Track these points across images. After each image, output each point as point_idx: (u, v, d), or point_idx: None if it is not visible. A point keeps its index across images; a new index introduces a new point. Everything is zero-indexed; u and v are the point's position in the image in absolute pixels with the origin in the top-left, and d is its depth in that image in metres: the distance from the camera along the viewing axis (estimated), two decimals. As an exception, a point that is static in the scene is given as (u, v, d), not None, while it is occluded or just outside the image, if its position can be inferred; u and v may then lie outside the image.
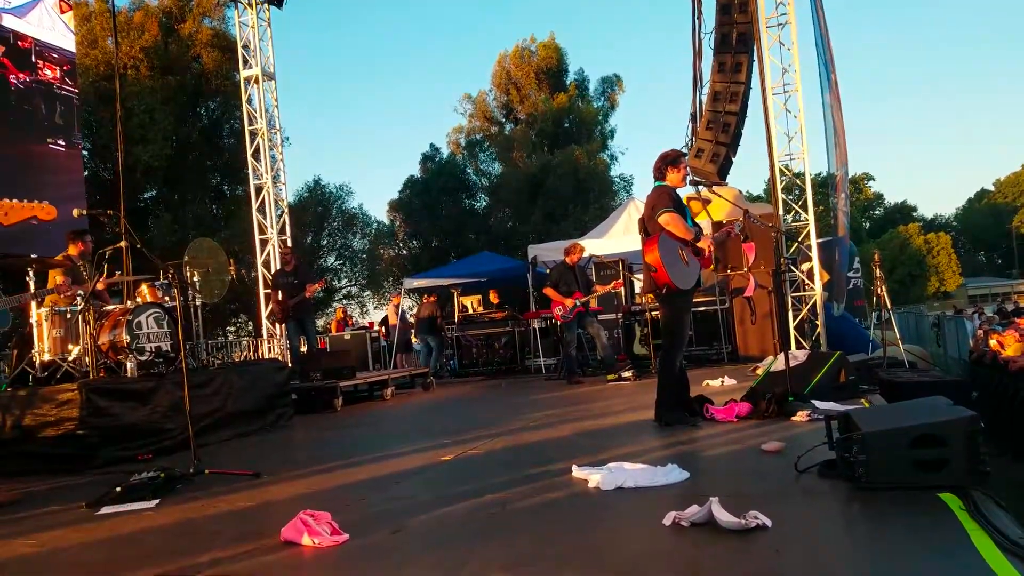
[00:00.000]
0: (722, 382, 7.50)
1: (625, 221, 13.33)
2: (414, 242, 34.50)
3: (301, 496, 3.91)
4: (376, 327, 16.43)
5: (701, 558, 2.50)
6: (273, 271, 11.50)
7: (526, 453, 4.81)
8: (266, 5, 12.48)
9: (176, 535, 3.33)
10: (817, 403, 5.34)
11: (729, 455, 4.14)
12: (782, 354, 5.95)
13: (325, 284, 18.04)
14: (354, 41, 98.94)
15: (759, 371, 8.05)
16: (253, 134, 12.27)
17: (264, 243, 12.25)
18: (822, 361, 6.03)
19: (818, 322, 9.63)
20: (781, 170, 9.81)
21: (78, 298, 6.33)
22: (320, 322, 25.93)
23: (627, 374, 8.98)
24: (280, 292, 9.98)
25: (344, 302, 32.06)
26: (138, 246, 5.48)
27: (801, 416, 4.96)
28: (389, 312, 16.39)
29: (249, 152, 12.28)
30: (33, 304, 6.19)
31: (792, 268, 9.69)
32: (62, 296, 6.41)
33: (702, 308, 11.08)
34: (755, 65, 10.04)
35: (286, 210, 12.72)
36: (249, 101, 12.33)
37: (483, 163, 34.98)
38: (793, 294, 9.71)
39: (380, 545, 2.90)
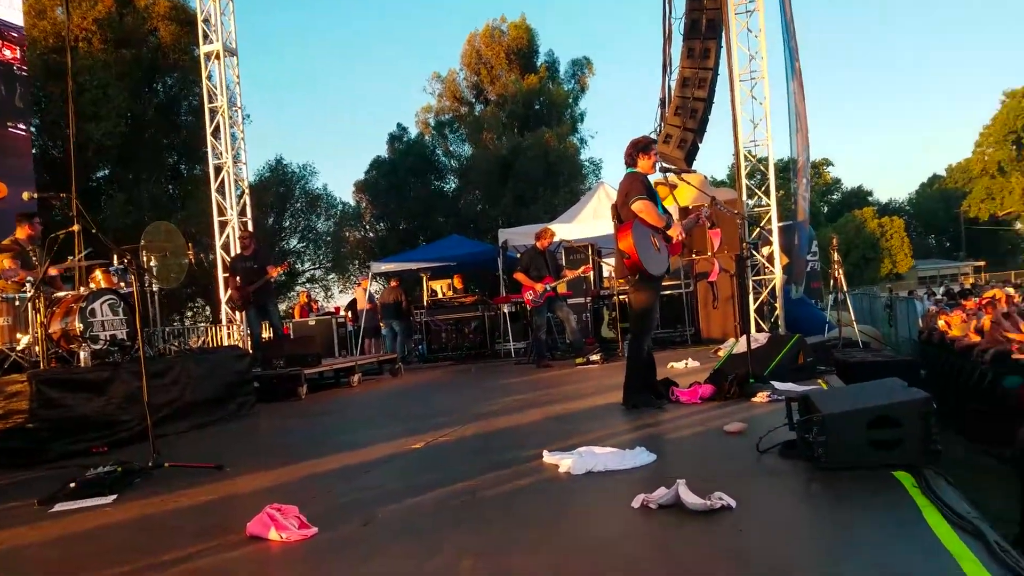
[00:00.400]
0: (686, 364, 7.66)
1: (595, 205, 13.43)
2: (381, 224, 34.16)
3: (266, 489, 3.86)
4: (342, 312, 16.29)
5: (669, 539, 2.59)
6: (232, 255, 11.30)
7: (497, 439, 4.86)
8: (228, -24, 12.13)
9: (136, 532, 3.23)
10: (777, 384, 5.50)
11: (694, 437, 4.25)
12: (744, 337, 6.10)
13: (288, 267, 17.80)
14: (320, 16, 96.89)
15: (721, 353, 8.24)
16: (213, 112, 11.97)
17: (223, 225, 12.00)
18: (781, 343, 6.19)
19: (777, 305, 9.85)
20: (745, 156, 9.97)
21: (27, 284, 6.08)
22: (282, 306, 25.62)
23: (595, 357, 9.09)
24: (239, 278, 9.78)
25: (308, 286, 31.71)
26: (93, 231, 5.31)
27: (762, 397, 5.11)
28: (357, 296, 16.24)
29: (208, 130, 11.98)
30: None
31: (754, 252, 9.88)
32: (9, 282, 6.21)
33: (667, 292, 11.25)
34: (723, 51, 10.13)
35: (247, 190, 12.47)
36: (209, 77, 12.01)
37: (452, 144, 34.73)
38: (754, 278, 9.91)
39: (350, 537, 2.88)
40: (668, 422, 4.73)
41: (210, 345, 14.27)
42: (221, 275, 11.77)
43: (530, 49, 33.86)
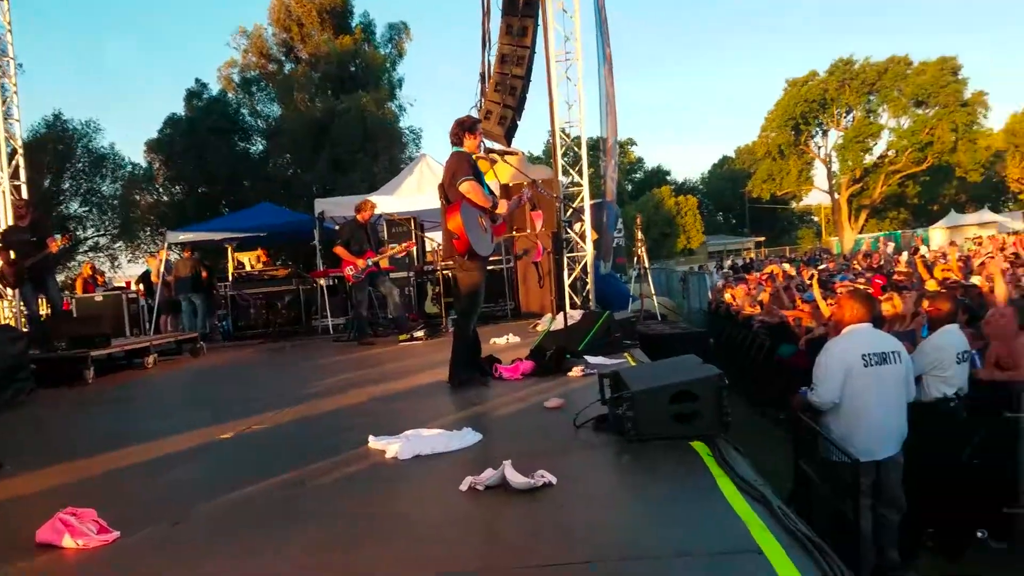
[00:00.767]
0: (507, 339, 7.89)
1: (417, 178, 13.29)
2: (177, 187, 31.39)
3: (55, 489, 3.47)
4: (134, 286, 14.84)
5: (496, 521, 2.68)
6: (6, 224, 9.88)
7: (318, 425, 4.73)
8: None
9: None
10: (590, 359, 5.86)
11: (517, 414, 4.42)
12: (561, 313, 6.42)
13: (70, 240, 15.88)
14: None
15: (539, 327, 8.59)
16: (-24, 60, 10.32)
17: (-9, 189, 10.46)
18: (593, 320, 6.59)
19: (588, 280, 10.41)
20: (561, 135, 10.35)
21: None
22: (60, 278, 22.85)
23: (419, 334, 9.07)
24: (11, 252, 8.56)
25: (91, 255, 28.55)
26: None
27: (576, 372, 5.41)
28: (152, 267, 14.82)
29: (-29, 82, 10.33)
30: None
31: (568, 230, 10.34)
32: None
33: (490, 268, 11.45)
34: (540, 30, 10.37)
35: (19, 149, 10.96)
36: (-29, 21, 10.32)
37: (260, 104, 32.56)
38: (567, 255, 10.38)
39: (159, 540, 2.67)
40: (493, 400, 4.88)
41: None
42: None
43: (344, 8, 32.49)
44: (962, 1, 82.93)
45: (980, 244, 21.51)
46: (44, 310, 10.08)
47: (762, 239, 54.48)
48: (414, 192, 12.82)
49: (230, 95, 32.11)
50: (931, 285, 8.44)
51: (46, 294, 8.89)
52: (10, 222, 9.58)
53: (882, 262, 15.79)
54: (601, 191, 13.21)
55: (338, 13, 32.20)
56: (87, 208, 29.30)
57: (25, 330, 8.43)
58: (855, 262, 17.49)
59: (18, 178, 10.77)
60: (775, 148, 49.24)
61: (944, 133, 43.21)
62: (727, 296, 12.89)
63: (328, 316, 11.80)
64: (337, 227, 12.08)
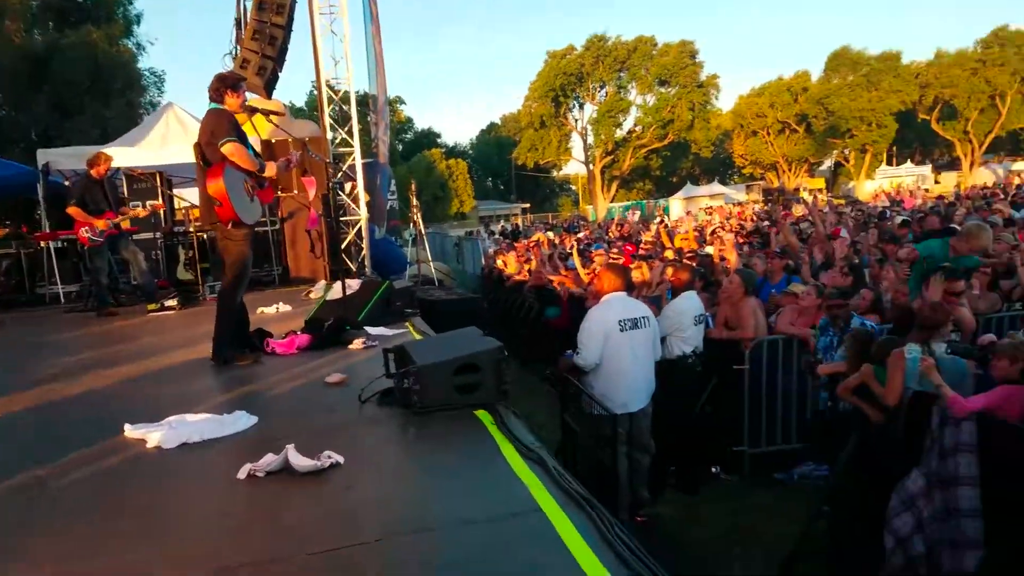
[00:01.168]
0: (277, 308, 7.51)
1: (163, 130, 11.92)
2: None
3: None
4: None
5: (280, 508, 2.58)
6: None
7: (61, 413, 4.15)
8: None
9: None
10: (370, 330, 5.78)
11: (296, 392, 4.24)
12: (338, 282, 6.24)
13: None
14: None
15: (312, 295, 8.29)
16: None
17: None
18: (373, 289, 6.49)
19: (364, 245, 10.23)
20: (328, 92, 9.94)
21: None
22: None
23: (171, 303, 8.26)
24: None
25: None
26: None
27: (357, 344, 5.32)
28: None
29: None
30: None
31: (339, 193, 10.01)
32: None
33: (255, 229, 10.74)
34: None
35: None
36: None
37: (-38, 31, 26.99)
38: (340, 218, 10.06)
39: None
40: (267, 377, 4.61)
41: None
42: None
43: (68, -72, 27.95)
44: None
45: (711, 214, 24.51)
46: None
47: (527, 205, 57.28)
48: (159, 145, 11.49)
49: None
50: (670, 254, 9.51)
51: None
52: None
53: (631, 232, 17.39)
54: (372, 151, 12.94)
55: (61, -68, 27.62)
56: None
57: None
58: (609, 231, 19.08)
59: None
60: (537, 118, 51.60)
61: (683, 112, 48.28)
62: (499, 262, 13.43)
63: (57, 282, 10.32)
64: (67, 183, 10.56)
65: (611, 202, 50.96)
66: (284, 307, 7.57)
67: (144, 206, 9.69)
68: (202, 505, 2.67)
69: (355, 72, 10.06)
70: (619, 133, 51.32)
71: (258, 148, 6.13)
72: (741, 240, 11.23)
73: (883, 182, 41.99)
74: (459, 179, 53.00)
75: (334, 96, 10.08)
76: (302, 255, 10.61)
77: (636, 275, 7.35)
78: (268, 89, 9.75)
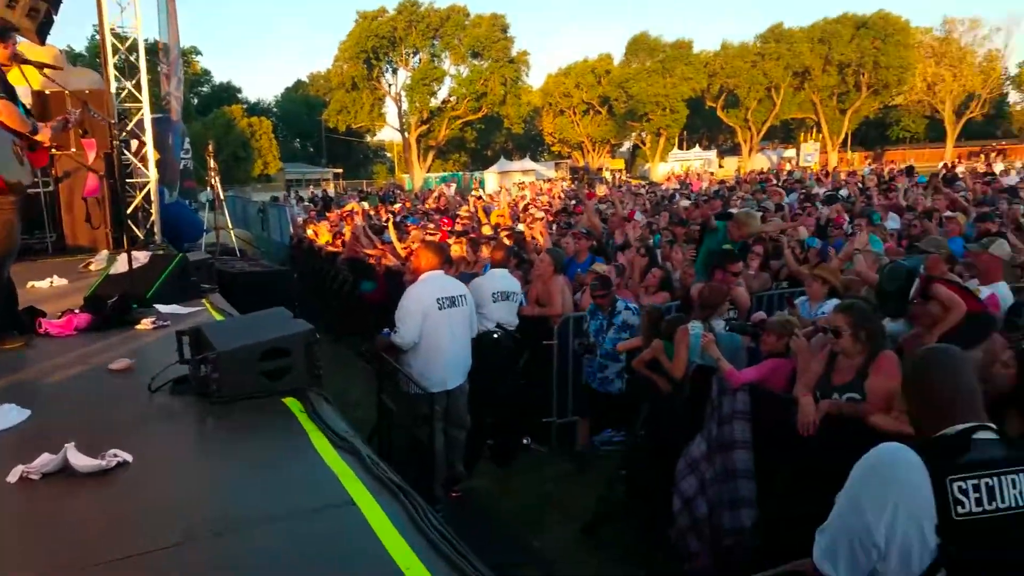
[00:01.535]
0: (51, 283, 6.63)
1: None
2: None
3: None
4: None
5: (61, 514, 2.32)
6: None
7: None
8: None
9: None
10: (161, 308, 5.31)
11: (75, 380, 3.78)
12: (123, 254, 5.63)
13: None
14: None
15: (92, 267, 7.44)
16: None
17: None
18: (164, 263, 5.92)
19: (153, 210, 9.34)
20: (112, 40, 8.88)
21: None
22: None
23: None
24: None
25: None
26: None
27: (146, 324, 4.86)
28: None
29: None
30: None
31: (124, 151, 9.02)
32: None
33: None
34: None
35: None
36: None
37: None
38: (126, 180, 9.06)
39: None
40: (39, 363, 4.05)
41: None
42: None
43: None
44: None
45: (523, 189, 25.26)
46: None
47: (340, 170, 55.45)
48: None
49: None
50: (486, 230, 9.69)
51: None
52: None
53: (448, 206, 17.48)
54: (163, 106, 11.78)
55: None
56: None
57: None
58: (427, 203, 19.04)
59: None
60: (349, 80, 49.79)
61: (496, 86, 48.98)
62: (309, 232, 12.89)
63: None
64: None
65: (428, 172, 50.76)
66: (59, 281, 6.69)
67: None
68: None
69: (144, 18, 9.08)
70: (434, 102, 51.00)
71: (29, 100, 5.34)
72: (550, 219, 11.70)
73: (675, 165, 45.84)
74: (263, 139, 49.89)
75: (119, 46, 9.02)
76: (80, 220, 9.45)
77: (456, 250, 7.41)
78: (41, 34, 8.49)
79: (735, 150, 55.93)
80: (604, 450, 5.88)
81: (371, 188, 40.10)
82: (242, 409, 3.21)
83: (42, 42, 8.34)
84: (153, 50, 12.09)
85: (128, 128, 9.04)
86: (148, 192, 9.26)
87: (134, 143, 9.24)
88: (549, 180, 37.62)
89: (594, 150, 55.05)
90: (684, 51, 51.33)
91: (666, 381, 4.60)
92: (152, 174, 9.26)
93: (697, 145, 55.83)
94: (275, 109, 63.41)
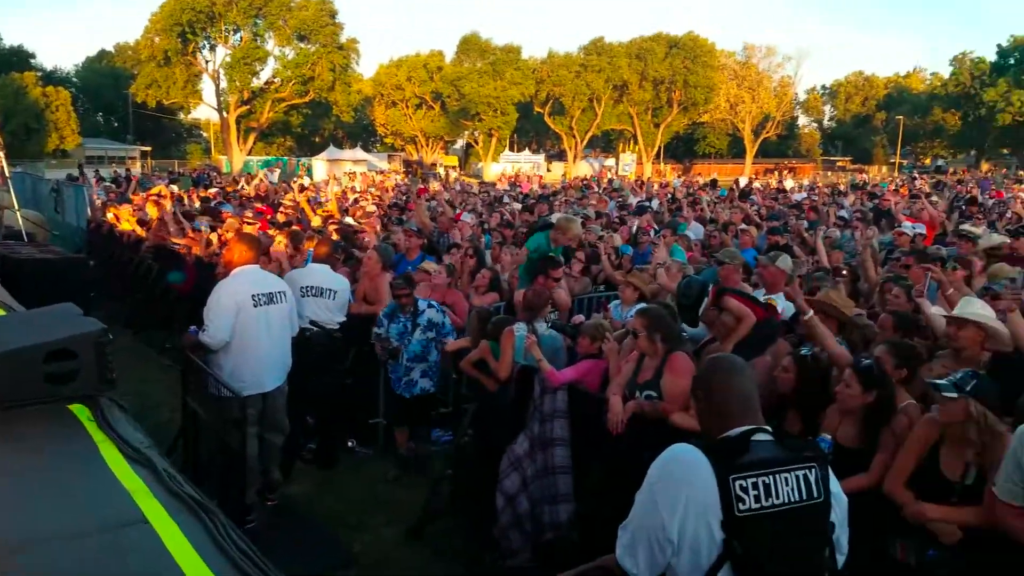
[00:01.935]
0: None
1: None
2: None
3: None
4: None
5: None
6: None
7: None
8: None
9: None
10: (-81, 299, 4.56)
11: None
12: None
13: None
14: None
15: None
16: None
17: None
18: (-75, 246, 5.13)
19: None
20: None
21: None
22: None
23: None
24: None
25: None
26: None
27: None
28: None
29: None
30: None
31: None
32: None
33: None
34: None
35: None
36: None
37: None
38: None
39: None
40: None
41: None
42: None
43: None
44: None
45: (354, 180, 24.66)
46: None
47: (148, 149, 50.96)
48: None
49: None
50: (316, 222, 9.34)
51: None
52: None
53: (269, 193, 16.64)
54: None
55: None
56: None
57: None
58: (246, 189, 17.99)
59: None
60: (160, 53, 45.53)
61: (324, 71, 47.13)
62: (110, 215, 11.69)
63: None
64: None
65: (249, 155, 47.96)
66: None
67: None
68: None
69: None
70: (256, 82, 48.23)
71: None
72: (382, 212, 11.51)
73: (507, 166, 46.88)
74: (60, 111, 44.70)
75: None
76: None
77: (279, 242, 7.01)
78: None
79: (562, 156, 58.33)
80: (431, 451, 5.87)
81: (184, 169, 37.25)
82: (22, 417, 2.83)
83: None
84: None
85: None
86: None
87: None
88: (382, 172, 37.04)
89: (428, 145, 54.97)
90: (513, 55, 52.67)
91: (492, 381, 4.69)
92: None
93: (527, 148, 57.58)
94: (75, 79, 57.00)
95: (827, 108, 72.21)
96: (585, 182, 27.92)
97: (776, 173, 45.40)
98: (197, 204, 12.50)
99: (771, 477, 1.83)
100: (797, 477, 1.86)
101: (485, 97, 49.51)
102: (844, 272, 5.82)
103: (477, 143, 56.31)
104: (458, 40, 54.23)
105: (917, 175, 38.99)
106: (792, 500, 1.84)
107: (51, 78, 51.21)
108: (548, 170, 51.80)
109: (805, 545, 1.89)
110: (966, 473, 2.93)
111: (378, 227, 9.33)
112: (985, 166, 53.53)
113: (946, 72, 58.15)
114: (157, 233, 9.24)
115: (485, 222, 10.69)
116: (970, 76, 53.70)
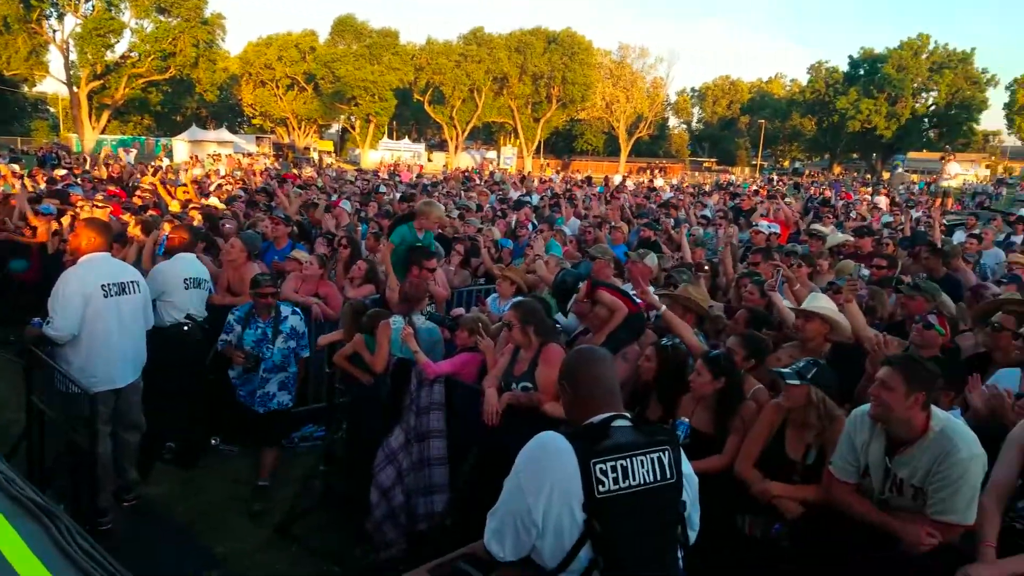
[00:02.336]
0: None
1: None
2: None
3: None
4: None
5: None
6: None
7: None
8: None
9: None
10: None
11: None
12: None
13: None
14: None
15: None
16: None
17: None
18: None
19: None
20: None
21: None
22: None
23: None
24: None
25: None
26: None
27: None
28: None
29: None
30: None
31: None
32: None
33: None
34: None
35: None
36: None
37: None
38: None
39: None
40: None
41: None
42: None
43: None
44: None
45: (218, 161, 23.42)
46: None
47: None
48: None
49: None
50: (175, 207, 8.81)
51: None
52: None
53: (123, 174, 15.51)
54: None
55: None
56: None
57: None
58: (96, 170, 16.67)
59: None
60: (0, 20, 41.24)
61: (186, 47, 44.11)
62: None
63: None
64: None
65: (102, 133, 44.32)
66: None
67: None
68: None
69: None
70: (111, 56, 44.51)
71: None
72: (247, 198, 10.99)
73: (385, 154, 46.05)
74: None
75: None
76: None
77: (132, 231, 6.58)
78: None
79: (443, 146, 57.99)
80: (302, 447, 5.71)
81: (28, 147, 33.94)
82: None
83: None
84: None
85: None
86: None
87: None
88: (250, 155, 35.36)
89: (300, 128, 52.99)
90: (391, 40, 51.69)
91: (367, 375, 4.63)
92: None
93: (407, 136, 56.79)
94: None
95: (696, 110, 76.15)
96: (467, 174, 27.99)
97: (648, 172, 47.38)
98: (43, 186, 11.46)
99: (628, 460, 1.94)
100: (652, 459, 1.98)
101: (361, 81, 48.31)
102: (706, 268, 6.18)
103: (354, 128, 54.86)
104: (332, 21, 52.58)
105: (776, 177, 41.97)
106: (647, 481, 1.96)
107: None
108: (429, 160, 51.39)
109: (659, 522, 2.01)
110: (807, 454, 3.22)
111: (240, 215, 8.89)
112: (837, 169, 58.11)
113: (804, 79, 62.74)
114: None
115: (361, 211, 10.49)
116: (825, 84, 58.05)
